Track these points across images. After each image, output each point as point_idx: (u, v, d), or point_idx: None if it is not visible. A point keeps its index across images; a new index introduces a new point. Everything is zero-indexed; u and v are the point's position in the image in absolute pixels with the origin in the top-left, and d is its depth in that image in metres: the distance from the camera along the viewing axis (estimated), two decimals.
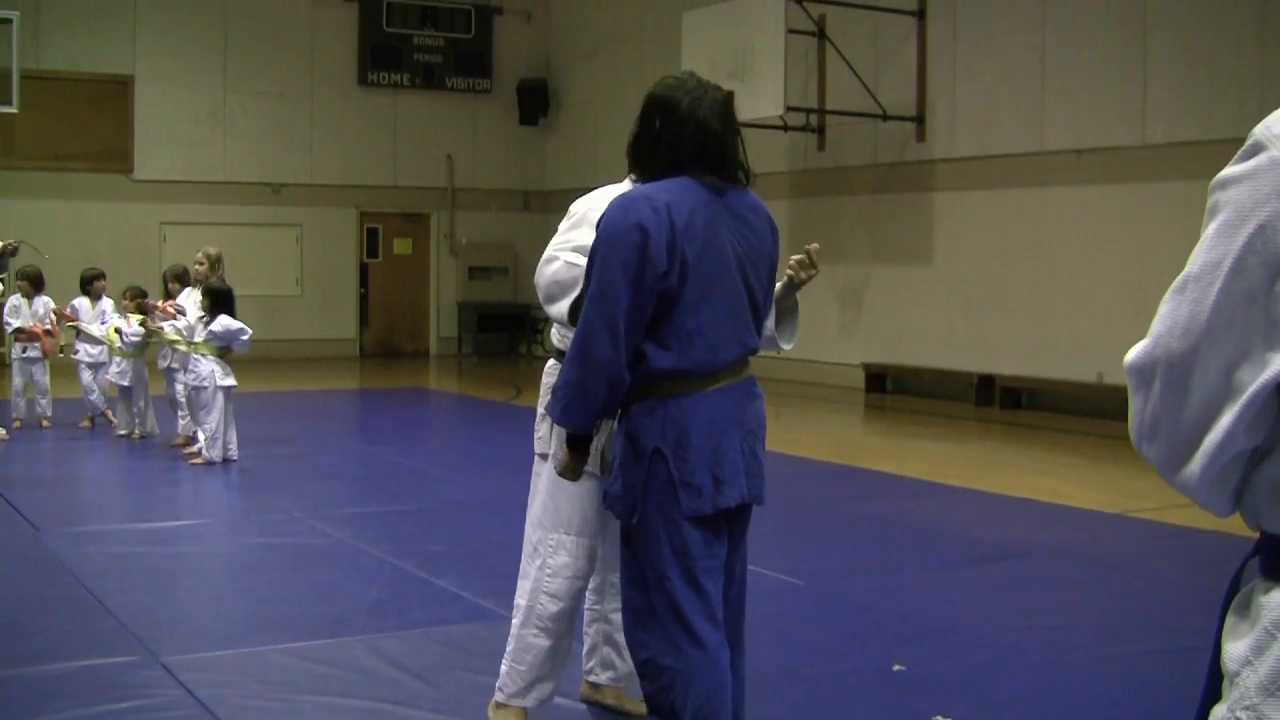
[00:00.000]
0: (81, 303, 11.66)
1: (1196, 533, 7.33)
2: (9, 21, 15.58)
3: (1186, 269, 1.57)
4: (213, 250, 10.47)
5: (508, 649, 4.10)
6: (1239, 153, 1.54)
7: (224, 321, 9.67)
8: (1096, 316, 12.79)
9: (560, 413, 3.42)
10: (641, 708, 3.68)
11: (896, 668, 4.98)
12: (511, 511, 8.15)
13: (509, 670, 4.08)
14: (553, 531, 3.96)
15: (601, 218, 3.38)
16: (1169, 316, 1.58)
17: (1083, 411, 13.07)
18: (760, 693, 4.43)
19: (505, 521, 7.81)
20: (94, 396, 11.67)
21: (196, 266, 10.37)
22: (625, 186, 4.02)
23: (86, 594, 5.97)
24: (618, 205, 3.35)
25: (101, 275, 11.84)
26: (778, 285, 3.81)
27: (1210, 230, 1.55)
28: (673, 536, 3.34)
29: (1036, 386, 13.71)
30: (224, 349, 9.76)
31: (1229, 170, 1.54)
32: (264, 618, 5.69)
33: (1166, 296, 1.59)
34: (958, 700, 4.67)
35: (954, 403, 14.32)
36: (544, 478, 4.03)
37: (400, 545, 7.07)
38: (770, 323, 3.81)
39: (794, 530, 7.47)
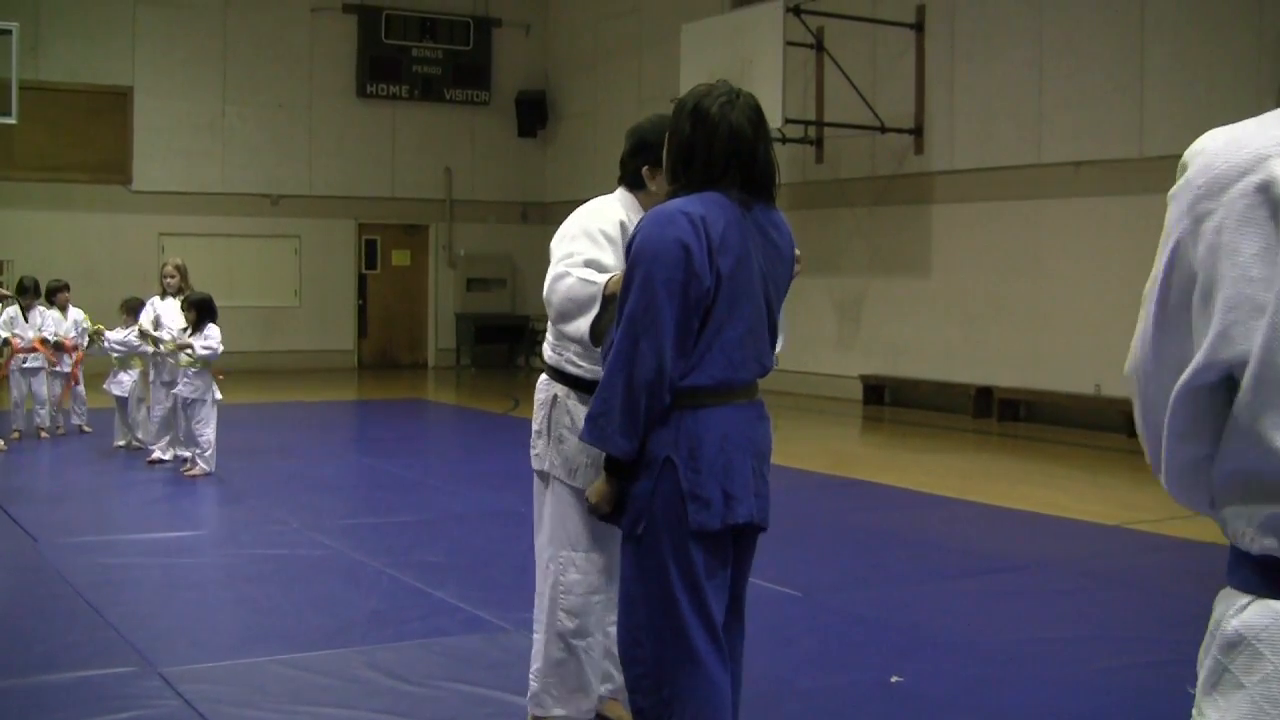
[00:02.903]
0: (51, 314, 11.73)
1: (1195, 545, 7.33)
2: (9, 32, 15.60)
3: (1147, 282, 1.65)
4: (180, 260, 10.54)
5: (534, 667, 4.10)
6: (1178, 170, 1.62)
7: (214, 332, 9.69)
8: (1094, 328, 12.81)
9: (602, 437, 3.26)
10: None
11: (894, 679, 4.98)
12: (509, 523, 8.18)
13: (542, 687, 4.08)
14: (562, 549, 3.95)
15: (637, 234, 3.29)
16: (1138, 326, 1.66)
17: (1081, 423, 13.08)
18: (757, 704, 4.43)
19: (503, 533, 7.83)
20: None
21: (168, 280, 10.35)
22: (615, 197, 4.02)
23: (85, 605, 5.96)
24: (655, 221, 3.25)
25: (66, 286, 11.87)
26: None
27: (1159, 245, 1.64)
28: (678, 551, 3.26)
29: (1034, 398, 13.72)
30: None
31: (1172, 188, 1.62)
32: (262, 628, 5.69)
33: None
34: (956, 712, 4.68)
35: (952, 414, 14.33)
36: (549, 496, 4.01)
37: (398, 556, 7.07)
38: None
39: (792, 542, 7.47)
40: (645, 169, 3.88)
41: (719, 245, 3.20)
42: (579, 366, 3.95)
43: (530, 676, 4.13)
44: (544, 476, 4.03)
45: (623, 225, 3.87)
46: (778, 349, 3.75)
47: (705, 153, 3.28)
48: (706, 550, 3.28)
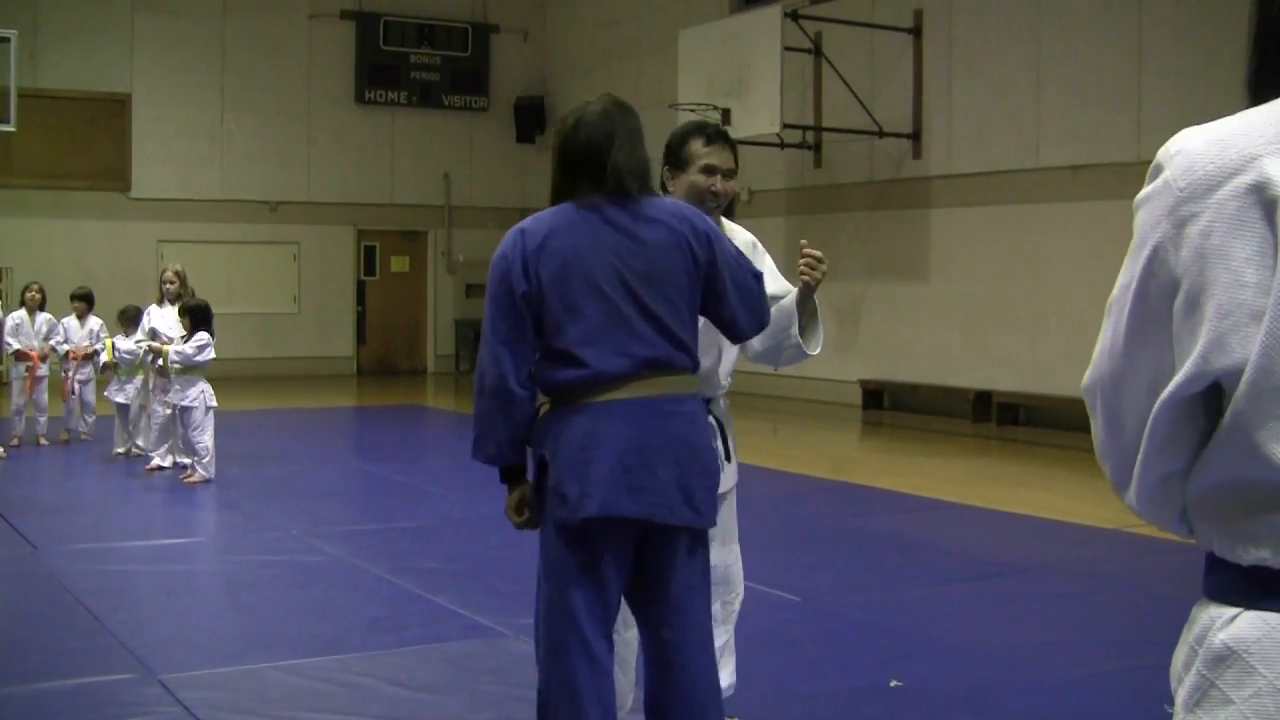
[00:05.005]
0: (70, 322, 11.75)
1: (1194, 549, 7.32)
2: (7, 40, 15.63)
3: (1112, 291, 1.59)
4: (180, 267, 10.55)
5: None
6: (1148, 174, 1.55)
7: (201, 338, 9.63)
8: (1093, 333, 12.51)
9: (473, 448, 3.46)
10: None
11: (894, 684, 4.98)
12: (508, 529, 8.13)
13: None
14: None
15: None
16: (1101, 338, 1.60)
17: (1079, 427, 13.06)
18: (756, 709, 4.43)
19: (502, 539, 7.79)
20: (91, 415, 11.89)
21: (167, 286, 10.35)
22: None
23: (84, 612, 5.96)
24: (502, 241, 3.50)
25: (83, 297, 11.92)
26: (794, 291, 3.85)
27: (1128, 253, 1.57)
28: (548, 545, 3.40)
29: (1033, 403, 13.72)
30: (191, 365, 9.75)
31: (1141, 192, 1.55)
32: (262, 635, 5.70)
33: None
34: (955, 716, 4.68)
35: (951, 419, 14.32)
36: None
37: (398, 562, 7.07)
38: (794, 330, 3.95)
39: (791, 546, 7.48)
40: (665, 169, 4.06)
41: (535, 252, 3.36)
42: None
43: None
44: None
45: None
46: (815, 352, 3.98)
47: (558, 170, 3.48)
48: (576, 545, 3.35)
